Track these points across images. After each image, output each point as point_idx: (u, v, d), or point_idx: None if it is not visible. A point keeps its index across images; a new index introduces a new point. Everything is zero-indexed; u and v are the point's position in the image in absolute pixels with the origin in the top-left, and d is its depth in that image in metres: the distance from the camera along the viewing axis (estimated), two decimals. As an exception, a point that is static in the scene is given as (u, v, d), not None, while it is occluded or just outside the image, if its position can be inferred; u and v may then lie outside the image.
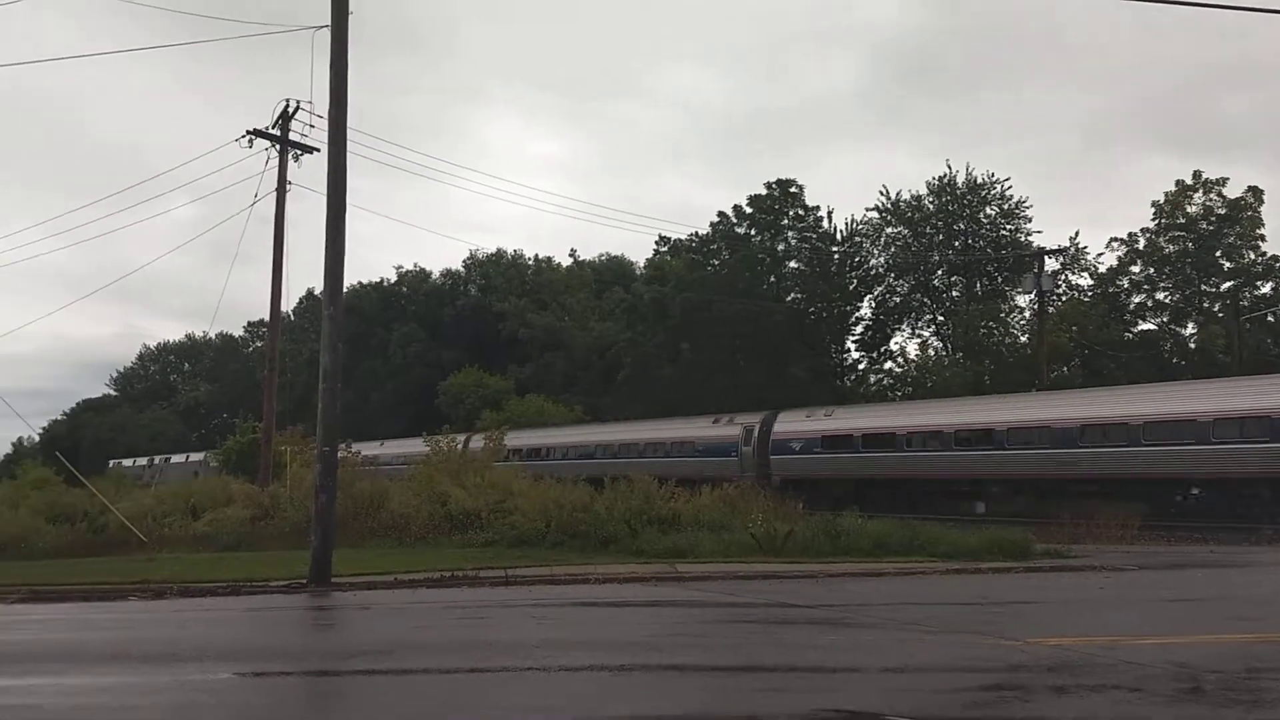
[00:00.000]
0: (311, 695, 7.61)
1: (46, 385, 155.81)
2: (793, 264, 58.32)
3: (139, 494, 27.38)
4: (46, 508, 24.77)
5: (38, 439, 71.61)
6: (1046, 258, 45.35)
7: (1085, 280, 54.22)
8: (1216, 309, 50.60)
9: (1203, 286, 51.18)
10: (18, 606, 13.93)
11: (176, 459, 50.18)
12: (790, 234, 57.74)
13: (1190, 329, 51.58)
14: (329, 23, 16.53)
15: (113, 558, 19.64)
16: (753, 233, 57.93)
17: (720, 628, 10.70)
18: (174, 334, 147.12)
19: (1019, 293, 51.23)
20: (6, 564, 19.32)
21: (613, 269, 76.68)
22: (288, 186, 28.62)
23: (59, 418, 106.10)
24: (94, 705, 6.72)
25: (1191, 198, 50.62)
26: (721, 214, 58.52)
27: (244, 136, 28.20)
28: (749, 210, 57.62)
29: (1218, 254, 50.14)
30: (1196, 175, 50.53)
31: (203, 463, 46.33)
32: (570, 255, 79.76)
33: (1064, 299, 52.46)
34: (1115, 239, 52.79)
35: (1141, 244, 51.85)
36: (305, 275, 62.82)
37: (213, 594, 14.57)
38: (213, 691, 7.30)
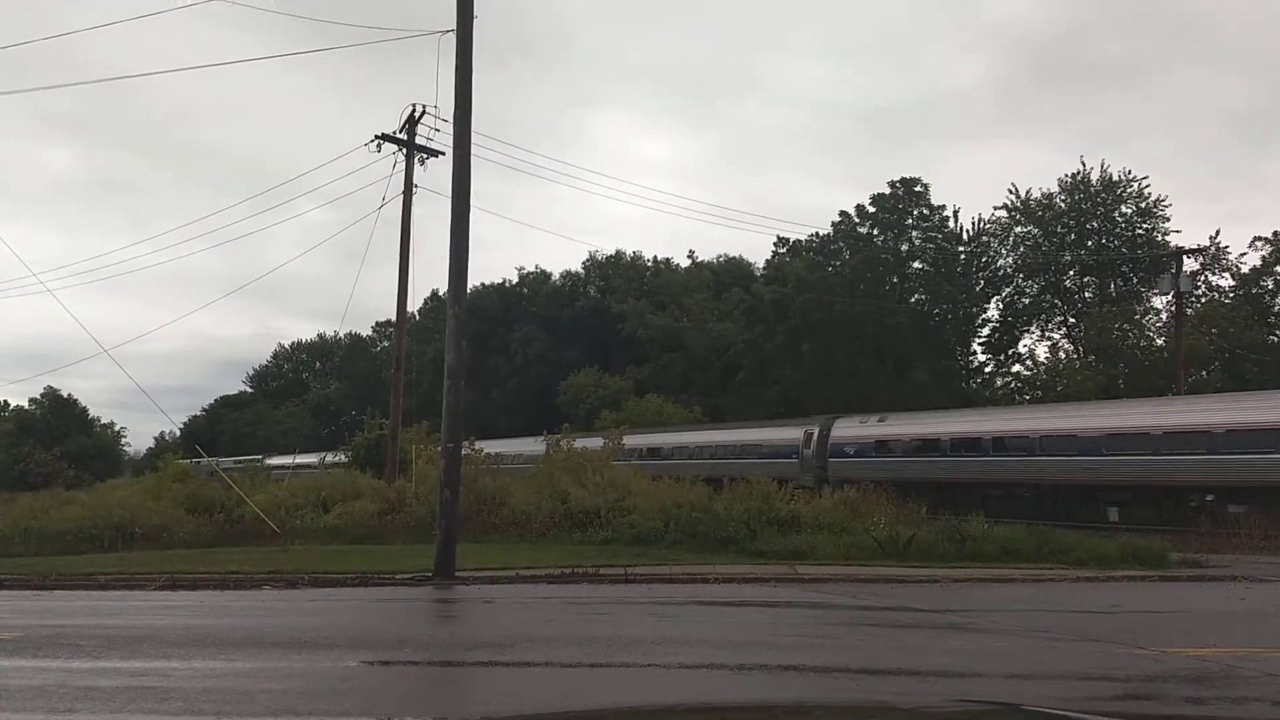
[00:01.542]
0: (435, 684, 7.77)
1: (187, 382, 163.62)
2: (917, 264, 57.21)
3: (273, 487, 28.37)
4: (186, 499, 25.81)
5: (178, 433, 75.13)
6: (1185, 257, 43.36)
7: (1226, 281, 51.73)
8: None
9: (1356, 287, 48.27)
10: (157, 594, 14.58)
11: (304, 458, 52.12)
12: (914, 234, 56.66)
13: (1343, 332, 48.70)
14: (454, 27, 16.89)
15: (247, 548, 20.40)
16: (875, 232, 57.02)
17: (841, 630, 10.55)
18: (306, 333, 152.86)
19: (1155, 294, 49.15)
20: (148, 553, 20.23)
21: (731, 270, 76.44)
22: (414, 189, 29.40)
23: (198, 413, 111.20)
24: (223, 688, 6.89)
25: (1344, 193, 47.78)
26: (843, 213, 57.77)
27: (373, 141, 29.06)
28: (872, 209, 56.72)
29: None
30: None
31: (320, 463, 47.90)
32: (688, 256, 80.00)
33: (1203, 300, 50.12)
34: (1260, 238, 50.20)
35: (1288, 242, 49.17)
36: (430, 276, 64.99)
37: (342, 584, 15.02)
38: (342, 677, 7.52)
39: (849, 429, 38.35)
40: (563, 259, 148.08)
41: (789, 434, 40.72)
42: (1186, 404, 31.33)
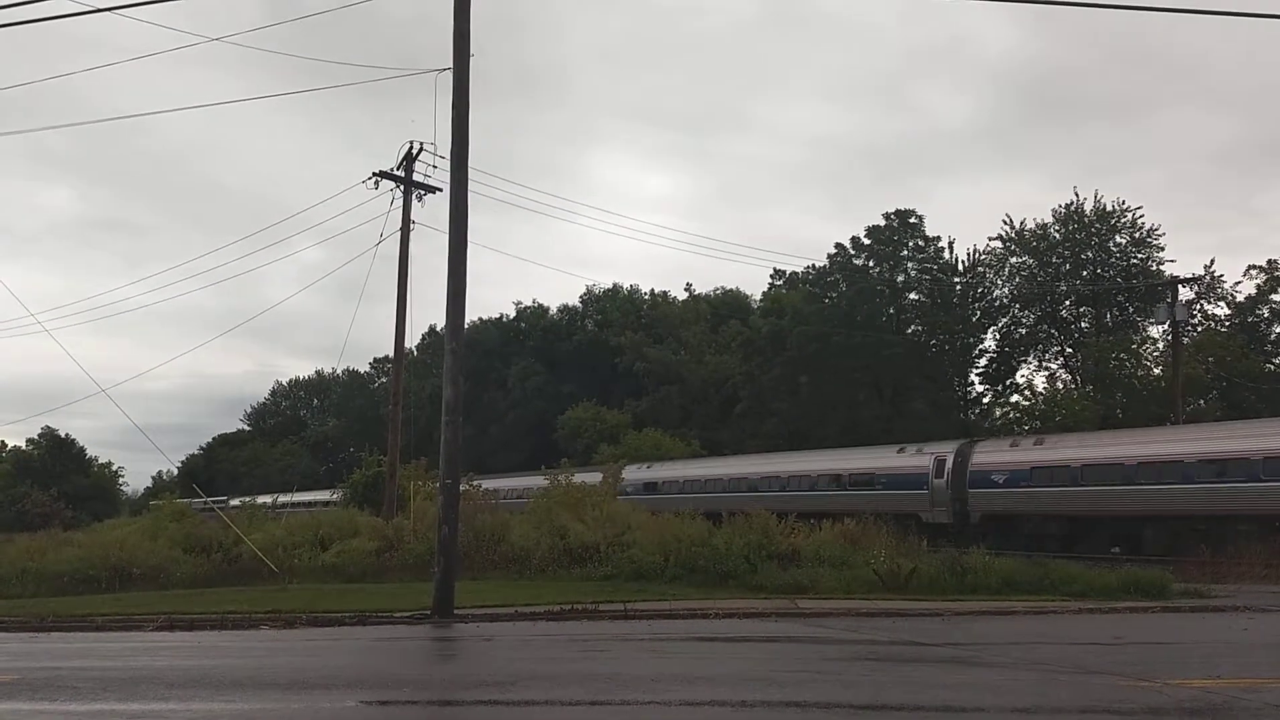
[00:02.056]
0: (435, 725, 7.71)
1: (184, 421, 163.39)
2: (913, 295, 57.40)
3: (270, 525, 28.28)
4: (183, 539, 25.76)
5: (176, 472, 74.89)
6: (1180, 287, 43.54)
7: (1222, 310, 51.92)
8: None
9: (1352, 314, 48.43)
10: (154, 634, 14.50)
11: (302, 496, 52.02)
12: (910, 265, 56.91)
13: (1339, 359, 48.81)
14: (450, 65, 17.05)
15: (245, 587, 20.32)
16: (871, 264, 57.25)
17: (843, 665, 10.48)
18: (304, 370, 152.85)
19: (1152, 323, 49.31)
20: (145, 593, 20.15)
21: (728, 302, 76.66)
22: (411, 226, 29.53)
23: (196, 452, 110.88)
24: (222, 731, 6.88)
25: (1338, 221, 48.08)
26: (839, 245, 58.02)
27: (370, 178, 29.26)
28: (867, 241, 56.98)
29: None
30: (1343, 197, 48.03)
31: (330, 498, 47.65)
32: (686, 289, 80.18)
33: (1199, 329, 50.26)
34: (1254, 266, 50.45)
35: (1282, 271, 49.38)
36: (428, 312, 65.21)
37: (340, 623, 14.95)
38: (341, 718, 7.47)
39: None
40: (560, 293, 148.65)
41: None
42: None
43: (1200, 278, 49.04)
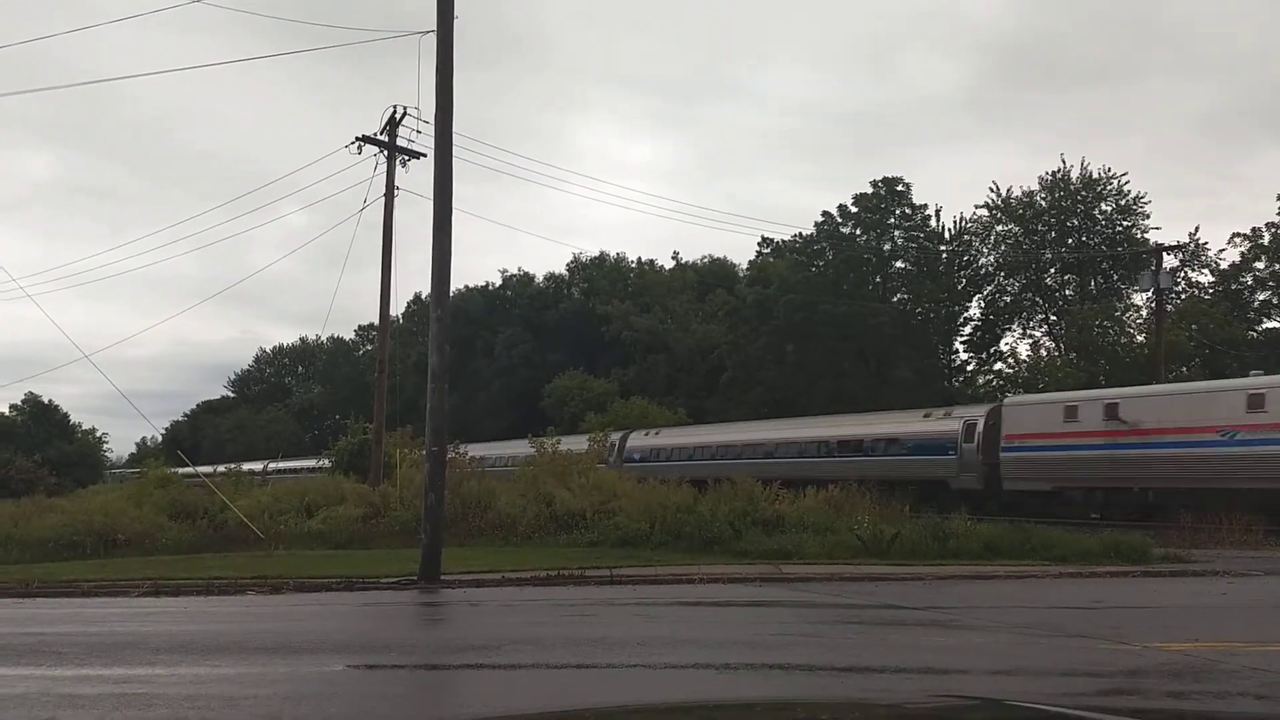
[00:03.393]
0: (422, 687, 7.76)
1: (169, 387, 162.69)
2: (899, 264, 57.48)
3: (256, 492, 28.26)
4: (169, 505, 25.70)
5: (160, 439, 74.69)
6: (1165, 254, 43.71)
7: (1206, 277, 52.19)
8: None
9: (1335, 282, 48.76)
10: (141, 600, 14.50)
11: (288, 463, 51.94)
12: (896, 233, 56.93)
13: (1321, 326, 49.19)
14: (434, 28, 16.86)
15: (231, 553, 20.31)
16: (858, 232, 57.23)
17: (826, 628, 10.58)
18: (288, 337, 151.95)
19: (1136, 291, 49.57)
20: (131, 559, 20.12)
21: (715, 271, 76.55)
22: (396, 192, 29.32)
23: (180, 419, 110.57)
24: (207, 695, 6.86)
25: (1322, 189, 48.26)
26: (826, 214, 57.94)
27: (353, 143, 28.96)
28: (854, 210, 56.91)
29: (1351, 248, 47.73)
30: (1328, 165, 48.22)
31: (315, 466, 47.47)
32: (673, 258, 80.00)
33: (1183, 297, 50.53)
34: (1238, 234, 50.68)
35: (1266, 239, 49.59)
36: (413, 279, 64.87)
37: (327, 589, 14.97)
38: (327, 682, 7.50)
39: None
40: (546, 261, 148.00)
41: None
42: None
43: (1184, 245, 49.27)
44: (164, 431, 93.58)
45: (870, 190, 56.74)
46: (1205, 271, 52.07)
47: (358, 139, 28.92)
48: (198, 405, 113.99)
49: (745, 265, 72.64)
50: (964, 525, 19.23)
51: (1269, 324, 50.51)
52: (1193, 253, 50.96)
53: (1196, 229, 52.58)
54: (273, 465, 42.41)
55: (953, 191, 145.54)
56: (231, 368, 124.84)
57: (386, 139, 29.00)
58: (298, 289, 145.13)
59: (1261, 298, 50.55)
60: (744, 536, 19.04)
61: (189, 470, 34.01)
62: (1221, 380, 32.45)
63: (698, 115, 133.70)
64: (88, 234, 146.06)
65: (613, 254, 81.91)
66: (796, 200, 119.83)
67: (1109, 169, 53.05)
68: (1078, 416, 29.73)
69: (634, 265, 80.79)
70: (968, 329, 57.99)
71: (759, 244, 65.46)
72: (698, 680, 7.25)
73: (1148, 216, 52.43)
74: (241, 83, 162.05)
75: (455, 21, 16.79)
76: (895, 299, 56.85)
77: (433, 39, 16.88)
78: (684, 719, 3.11)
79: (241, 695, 6.88)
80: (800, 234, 58.93)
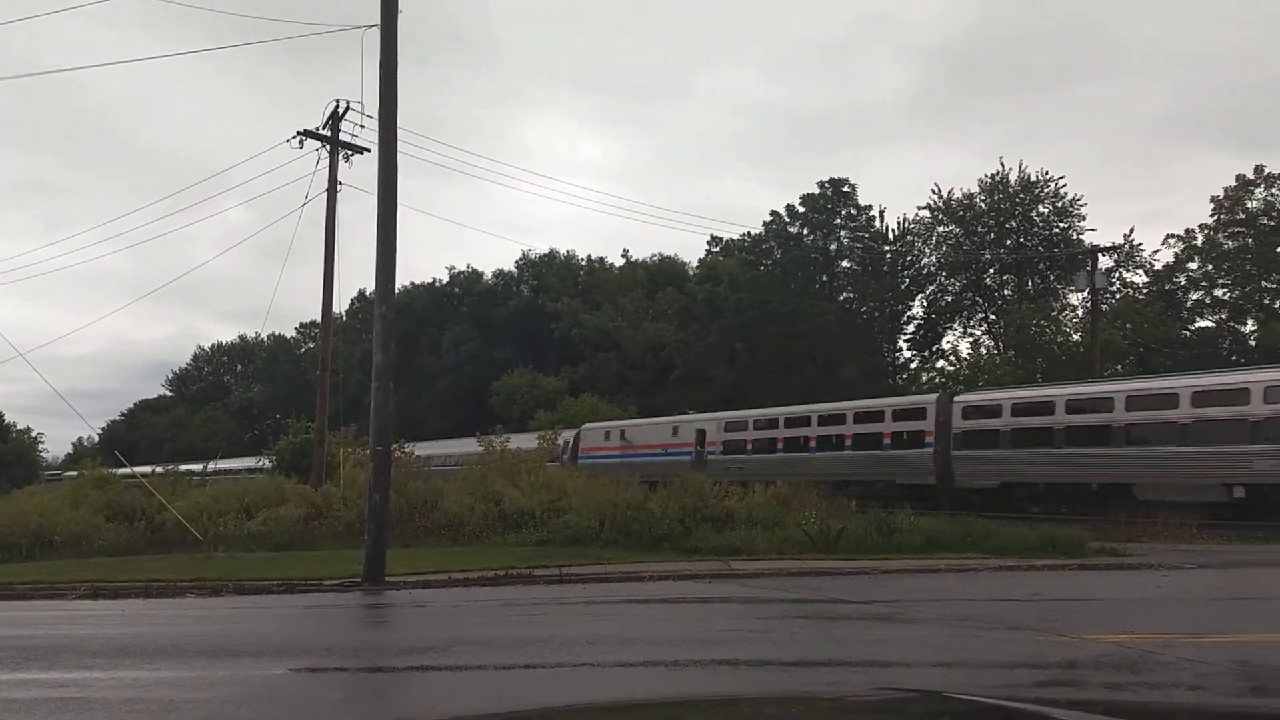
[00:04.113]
0: (366, 690, 7.68)
1: (105, 386, 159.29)
2: (845, 263, 58.11)
3: (195, 493, 27.74)
4: (106, 506, 25.17)
5: (97, 439, 73.19)
6: (1100, 255, 44.60)
7: (1140, 278, 53.37)
8: (1278, 305, 49.47)
9: (1263, 283, 50.06)
10: (78, 603, 14.21)
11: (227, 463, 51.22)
12: (843, 233, 57.61)
13: (1250, 326, 50.50)
14: (378, 22, 16.69)
15: (170, 555, 19.95)
16: (805, 232, 57.76)
17: (774, 623, 10.65)
18: (228, 335, 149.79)
19: (1072, 291, 50.55)
20: (67, 561, 19.70)
21: (665, 269, 76.74)
22: (339, 187, 28.92)
23: (117, 418, 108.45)
24: (146, 698, 6.75)
25: (1253, 193, 49.52)
26: (774, 213, 58.42)
27: (295, 137, 28.49)
28: (802, 209, 57.43)
29: (1279, 249, 49.01)
30: (1258, 170, 49.46)
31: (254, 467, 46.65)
32: (622, 255, 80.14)
33: (1118, 297, 51.62)
34: (1172, 235, 51.89)
35: (1200, 240, 50.84)
36: (357, 276, 64.23)
37: (268, 591, 14.76)
38: (268, 686, 7.40)
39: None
40: (495, 258, 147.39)
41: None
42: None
43: (1120, 246, 50.28)
44: (101, 431, 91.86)
45: (817, 191, 57.30)
46: (1139, 272, 53.31)
47: (299, 133, 28.45)
48: (135, 404, 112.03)
49: (695, 264, 73.01)
50: (907, 520, 19.48)
51: (1201, 323, 51.82)
52: (1127, 254, 52.08)
53: (1131, 231, 53.83)
54: (212, 465, 41.70)
55: (897, 193, 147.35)
56: (169, 366, 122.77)
57: (329, 133, 28.59)
58: (238, 286, 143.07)
59: (1194, 298, 51.80)
60: (694, 533, 19.11)
61: (126, 471, 33.32)
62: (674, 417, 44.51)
63: (648, 114, 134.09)
64: (23, 229, 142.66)
65: (562, 251, 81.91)
66: (745, 200, 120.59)
67: (1046, 172, 54.10)
68: (610, 439, 43.80)
69: (584, 263, 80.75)
70: (911, 327, 58.82)
71: (708, 243, 65.83)
72: (647, 678, 7.26)
73: (1084, 218, 53.56)
74: (182, 77, 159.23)
75: (400, 16, 16.66)
76: (841, 298, 57.47)
77: (377, 33, 16.71)
78: (631, 717, 3.11)
79: (181, 699, 6.76)
80: (749, 233, 59.42)
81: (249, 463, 52.83)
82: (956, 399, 33.09)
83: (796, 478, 26.45)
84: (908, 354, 59.90)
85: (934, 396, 35.06)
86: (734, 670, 7.61)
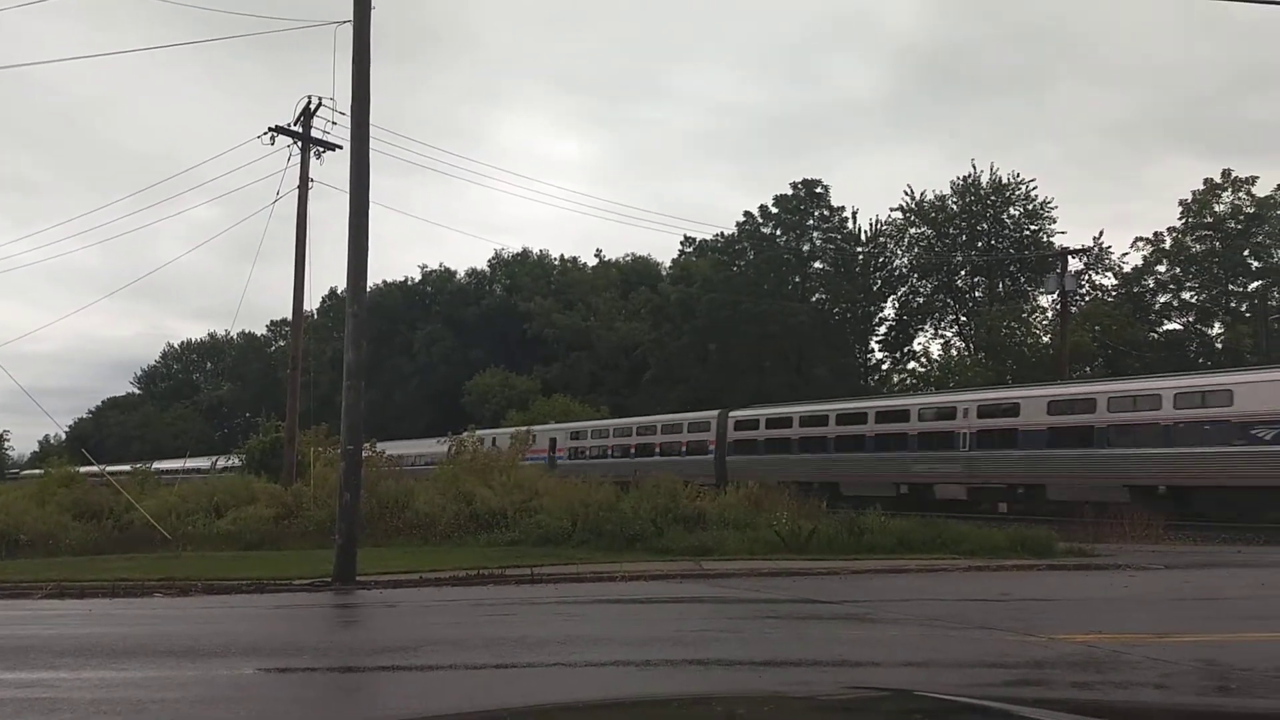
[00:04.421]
0: (335, 690, 7.63)
1: (73, 384, 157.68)
2: (818, 264, 58.32)
3: (163, 492, 27.45)
4: (72, 504, 24.86)
5: (64, 436, 72.35)
6: (1070, 257, 45.07)
7: (1109, 280, 53.94)
8: (1244, 309, 50.14)
9: (1230, 286, 50.73)
10: (44, 602, 14.04)
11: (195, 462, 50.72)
12: (815, 234, 57.83)
13: (1217, 329, 51.16)
14: (351, 18, 16.60)
15: (138, 554, 19.73)
16: (778, 233, 57.96)
17: (745, 623, 10.68)
18: (197, 333, 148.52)
19: (1042, 293, 51.05)
20: (33, 560, 19.46)
21: (638, 269, 76.77)
22: (310, 184, 28.74)
23: (85, 416, 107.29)
24: (113, 699, 6.66)
25: (1220, 197, 50.15)
26: (748, 214, 58.58)
27: (266, 134, 28.28)
28: (775, 210, 57.62)
29: (1245, 253, 49.71)
30: (1226, 174, 50.11)
31: (212, 468, 46.17)
32: (596, 255, 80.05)
33: (1087, 299, 52.13)
34: (1141, 238, 52.50)
35: (1168, 243, 51.46)
36: (329, 274, 63.79)
37: (237, 591, 14.64)
38: (236, 686, 7.34)
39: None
40: (468, 257, 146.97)
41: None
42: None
43: (1089, 249, 50.85)
44: (68, 429, 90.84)
45: (790, 192, 57.49)
46: (1109, 275, 53.85)
47: (271, 129, 28.24)
48: (103, 402, 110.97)
49: (668, 264, 73.10)
50: (878, 521, 19.56)
51: (1169, 325, 52.45)
52: (1097, 256, 52.64)
53: (1101, 233, 54.36)
54: (178, 464, 41.32)
55: (869, 194, 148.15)
56: (138, 364, 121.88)
57: (301, 130, 28.41)
58: (208, 283, 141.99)
59: (1162, 300, 52.41)
60: (666, 534, 19.12)
61: (94, 469, 32.96)
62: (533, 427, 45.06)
63: (622, 115, 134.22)
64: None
65: (536, 251, 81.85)
66: (718, 200, 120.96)
67: (1018, 175, 54.58)
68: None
69: (557, 262, 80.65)
70: (883, 329, 59.15)
71: (682, 243, 65.96)
72: (618, 678, 7.26)
73: (1054, 221, 54.06)
74: (152, 73, 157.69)
75: (372, 12, 16.56)
76: (814, 299, 57.68)
77: (349, 29, 16.62)
78: (602, 717, 3.11)
79: (149, 699, 6.69)
80: (722, 234, 59.58)
81: (217, 461, 52.38)
82: (731, 414, 39.39)
83: (619, 479, 27.19)
84: (879, 355, 60.28)
85: (715, 413, 40.56)
86: (704, 670, 7.62)
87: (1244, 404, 24.66)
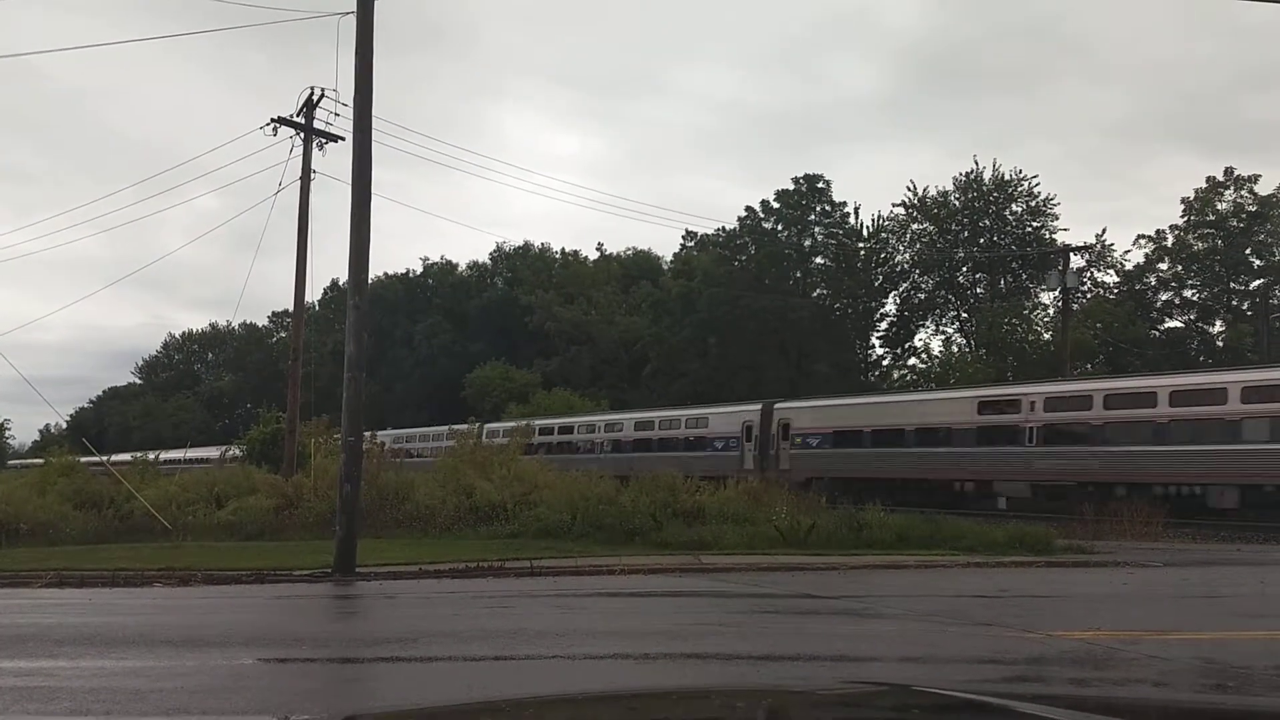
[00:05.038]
0: (334, 680, 7.65)
1: (74, 373, 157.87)
2: (819, 260, 58.25)
3: (164, 482, 27.47)
4: (73, 494, 24.86)
5: (65, 426, 72.38)
6: (1072, 255, 44.99)
7: (1111, 278, 53.90)
8: (1245, 307, 50.10)
9: (1231, 284, 50.69)
10: (43, 591, 14.06)
11: (196, 452, 50.77)
12: (817, 230, 57.71)
13: (1218, 326, 51.13)
14: (354, 9, 16.58)
15: (138, 544, 19.74)
16: (780, 228, 57.83)
17: (743, 618, 10.70)
18: (199, 323, 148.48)
19: (1043, 290, 50.99)
20: (33, 549, 19.46)
21: (640, 263, 76.70)
22: (312, 175, 28.73)
23: (85, 405, 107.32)
24: (113, 688, 6.66)
25: (1222, 195, 50.08)
26: (749, 209, 58.51)
27: (268, 124, 28.26)
28: (776, 205, 57.50)
29: (1247, 251, 49.68)
30: (1228, 172, 50.06)
31: (221, 457, 46.30)
32: (597, 249, 79.98)
33: (1089, 296, 52.09)
34: (1143, 236, 52.44)
35: (1170, 241, 51.39)
36: (330, 266, 63.84)
37: (238, 581, 14.66)
38: (236, 675, 7.35)
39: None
40: (469, 250, 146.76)
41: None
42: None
43: (1091, 246, 50.78)
44: (69, 419, 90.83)
45: (792, 187, 57.38)
46: (1110, 272, 53.81)
47: (273, 120, 28.22)
48: (104, 392, 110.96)
49: (669, 258, 73.01)
50: (878, 516, 19.56)
51: (1170, 323, 52.41)
52: (1099, 254, 52.59)
53: (1103, 231, 54.36)
54: (191, 453, 41.35)
55: (871, 191, 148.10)
56: (139, 354, 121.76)
57: (303, 121, 28.38)
58: (209, 274, 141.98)
59: (1164, 298, 52.38)
60: (665, 528, 19.13)
61: (94, 459, 32.99)
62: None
63: (624, 110, 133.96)
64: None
65: (537, 244, 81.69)
66: (719, 196, 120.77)
67: (1020, 171, 54.47)
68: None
69: (558, 256, 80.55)
70: (884, 325, 59.07)
71: (683, 237, 65.88)
72: (616, 671, 7.27)
73: (1057, 218, 53.98)
74: (155, 63, 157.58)
75: (376, 4, 16.54)
76: (815, 294, 57.63)
77: (352, 21, 16.60)
78: (600, 709, 3.12)
79: (148, 689, 6.69)
80: (724, 228, 59.48)
81: (212, 452, 52.46)
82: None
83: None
84: (880, 351, 60.24)
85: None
86: (702, 664, 7.63)
87: None
